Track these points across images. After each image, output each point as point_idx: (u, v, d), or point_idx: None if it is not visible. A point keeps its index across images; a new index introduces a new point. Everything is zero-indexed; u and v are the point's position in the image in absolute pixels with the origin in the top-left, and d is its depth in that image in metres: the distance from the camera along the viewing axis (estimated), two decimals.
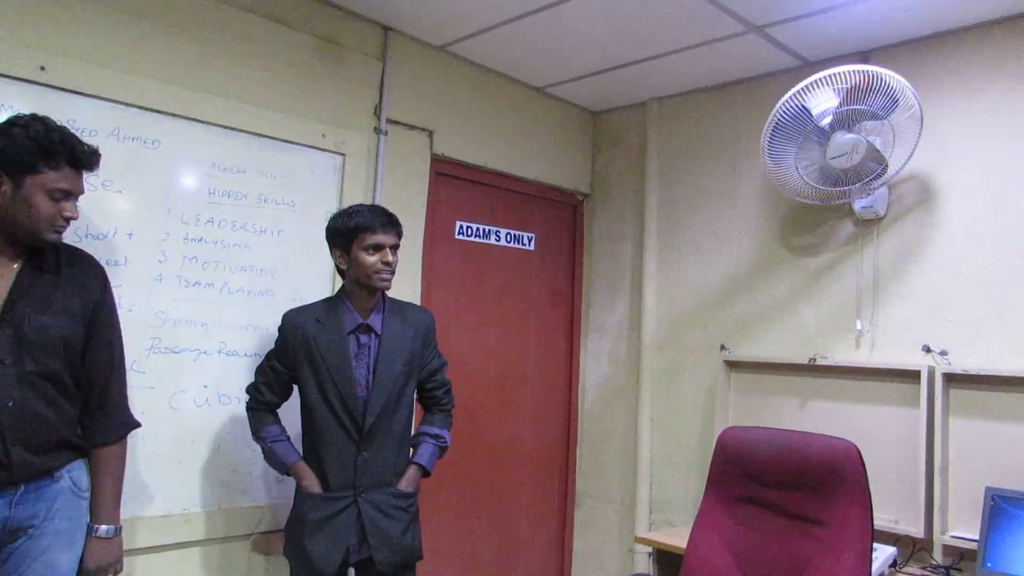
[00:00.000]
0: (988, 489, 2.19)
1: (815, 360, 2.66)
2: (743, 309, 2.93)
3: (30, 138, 1.53)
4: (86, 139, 1.66)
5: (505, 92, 3.14)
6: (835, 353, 2.65)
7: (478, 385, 3.10)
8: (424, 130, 2.84)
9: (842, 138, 2.35)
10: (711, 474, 2.08)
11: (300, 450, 2.07)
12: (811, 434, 1.97)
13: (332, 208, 2.38)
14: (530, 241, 3.34)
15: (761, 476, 1.98)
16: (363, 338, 2.05)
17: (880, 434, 2.49)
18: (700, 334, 3.05)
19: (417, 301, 2.76)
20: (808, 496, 1.89)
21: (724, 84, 3.06)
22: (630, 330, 3.31)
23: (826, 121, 2.35)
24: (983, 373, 2.29)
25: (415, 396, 2.18)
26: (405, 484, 2.05)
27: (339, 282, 2.28)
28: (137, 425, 1.81)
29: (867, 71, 2.25)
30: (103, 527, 1.69)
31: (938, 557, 2.32)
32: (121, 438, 1.75)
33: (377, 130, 2.67)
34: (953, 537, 2.29)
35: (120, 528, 1.74)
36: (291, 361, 2.04)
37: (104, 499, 1.70)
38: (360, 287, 2.04)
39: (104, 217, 2.02)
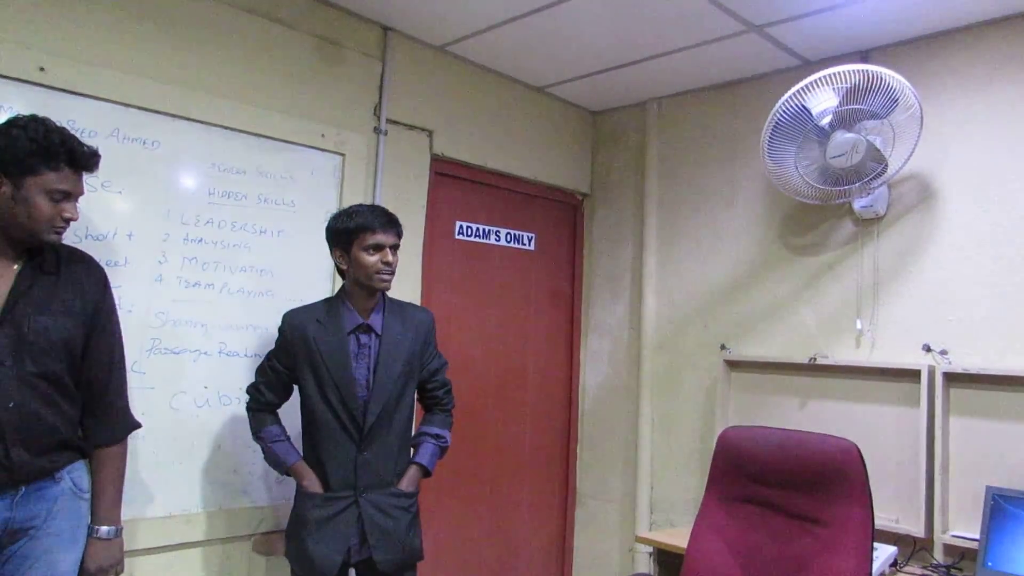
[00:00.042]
0: (989, 488, 2.19)
1: (815, 360, 2.66)
2: (743, 309, 2.93)
3: (30, 139, 1.54)
4: (86, 140, 1.66)
5: (505, 92, 3.14)
6: (835, 352, 2.65)
7: (478, 385, 3.10)
8: (424, 130, 2.84)
9: (842, 137, 2.35)
10: (712, 474, 2.08)
11: (300, 450, 2.07)
12: (811, 434, 1.97)
13: (332, 208, 2.38)
14: (530, 241, 3.34)
15: (761, 476, 1.98)
16: (363, 338, 2.05)
17: (880, 433, 2.49)
18: (700, 334, 3.05)
19: (417, 301, 2.76)
20: (808, 496, 1.89)
21: (724, 84, 3.06)
22: (630, 330, 3.31)
23: (826, 120, 2.35)
24: (983, 372, 2.29)
25: (415, 396, 2.18)
26: (406, 484, 2.05)
27: (339, 282, 2.28)
28: (137, 426, 1.81)
29: (867, 70, 2.25)
30: (104, 528, 1.69)
31: (939, 556, 2.32)
32: (121, 439, 1.75)
33: (377, 130, 2.67)
34: (954, 536, 2.29)
35: (121, 529, 1.74)
36: (291, 361, 2.04)
37: (105, 500, 1.70)
38: (360, 287, 2.04)
39: (104, 218, 2.02)
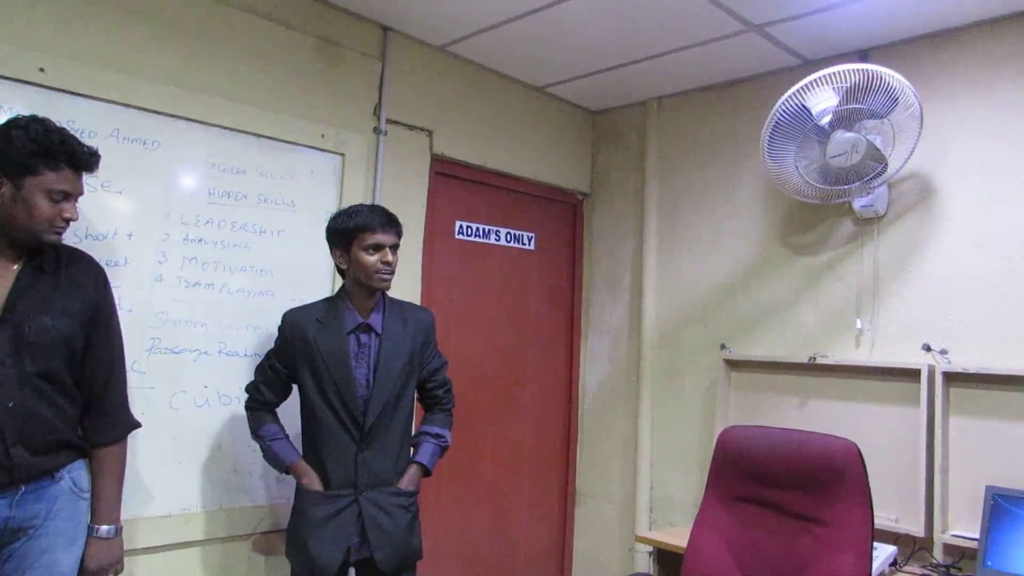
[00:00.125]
0: (988, 488, 2.19)
1: (815, 359, 2.66)
2: (743, 308, 2.93)
3: (30, 139, 1.54)
4: (86, 140, 1.66)
5: (505, 92, 3.14)
6: (835, 352, 2.65)
7: (478, 384, 3.11)
8: (424, 130, 2.85)
9: (842, 137, 2.34)
10: (711, 473, 2.08)
11: (300, 449, 2.07)
12: (811, 433, 1.97)
13: (332, 208, 2.38)
14: (530, 241, 3.34)
15: (761, 475, 1.98)
16: (363, 338, 2.05)
17: (880, 433, 2.48)
18: (700, 333, 3.05)
19: (417, 301, 2.76)
20: (808, 495, 1.89)
21: (724, 83, 3.06)
22: (630, 329, 3.31)
23: (826, 120, 2.35)
24: (983, 372, 2.29)
25: (415, 396, 2.18)
26: (406, 483, 2.06)
27: (339, 282, 2.28)
28: (137, 425, 1.81)
29: (867, 70, 2.25)
30: (103, 527, 1.69)
31: (939, 556, 2.32)
32: (121, 438, 1.76)
33: (377, 130, 2.67)
34: (954, 536, 2.28)
35: (121, 528, 1.74)
36: (291, 360, 2.04)
37: (104, 499, 1.70)
38: (360, 287, 2.04)
39: (104, 218, 2.03)
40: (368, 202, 2.45)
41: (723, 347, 2.93)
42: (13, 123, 1.57)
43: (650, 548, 2.75)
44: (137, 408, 1.86)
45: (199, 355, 2.20)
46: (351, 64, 2.60)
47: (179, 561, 2.15)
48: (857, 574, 1.76)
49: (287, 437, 2.07)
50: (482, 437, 3.12)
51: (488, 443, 3.15)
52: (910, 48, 2.57)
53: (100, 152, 1.66)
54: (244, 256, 2.30)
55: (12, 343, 1.53)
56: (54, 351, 1.59)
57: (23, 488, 1.56)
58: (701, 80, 3.06)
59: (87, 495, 1.69)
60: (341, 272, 2.09)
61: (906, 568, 2.31)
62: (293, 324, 2.05)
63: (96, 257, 1.77)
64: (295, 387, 2.09)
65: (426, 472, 2.12)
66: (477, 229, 3.13)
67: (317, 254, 2.36)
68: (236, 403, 2.24)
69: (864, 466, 1.83)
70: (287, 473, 2.06)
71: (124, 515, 1.79)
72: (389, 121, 2.70)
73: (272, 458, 2.05)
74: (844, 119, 2.34)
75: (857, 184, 2.41)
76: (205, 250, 2.22)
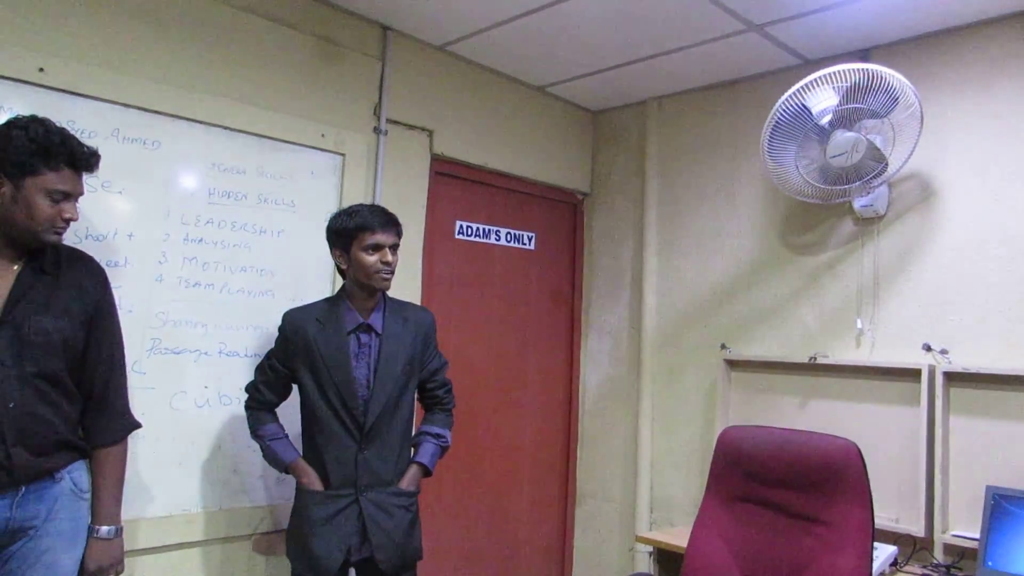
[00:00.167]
0: (989, 488, 2.19)
1: (815, 359, 2.66)
2: (743, 308, 2.93)
3: (30, 139, 1.54)
4: (86, 140, 1.66)
5: (505, 91, 3.14)
6: (835, 352, 2.65)
7: (478, 385, 3.10)
8: (424, 130, 2.84)
9: (842, 136, 2.34)
10: (712, 473, 2.08)
11: (300, 449, 2.07)
12: (812, 433, 1.97)
13: (332, 208, 2.38)
14: (530, 240, 3.34)
15: (762, 475, 1.98)
16: (364, 337, 2.05)
17: (881, 433, 2.48)
18: (700, 333, 3.05)
19: (417, 301, 2.76)
20: (809, 495, 1.89)
21: (724, 83, 3.06)
22: (630, 329, 3.31)
23: (826, 120, 2.35)
24: (984, 372, 2.28)
25: (416, 396, 2.18)
26: (406, 483, 2.05)
27: (339, 282, 2.28)
28: (138, 426, 1.81)
29: (867, 69, 2.25)
30: (104, 528, 1.69)
31: (939, 556, 2.32)
32: (122, 439, 1.75)
33: (377, 130, 2.67)
34: (954, 536, 2.28)
35: (121, 529, 1.74)
36: (291, 361, 2.04)
37: (105, 500, 1.70)
38: (360, 287, 2.04)
39: (104, 218, 2.03)
40: (368, 202, 2.45)
41: (723, 347, 2.93)
42: (13, 123, 1.57)
43: (650, 548, 2.75)
44: (137, 408, 1.86)
45: (199, 355, 2.20)
46: (351, 64, 2.60)
47: (179, 561, 2.15)
48: (857, 574, 1.76)
49: (287, 437, 2.07)
50: (482, 437, 3.12)
51: (488, 443, 3.15)
52: (910, 48, 2.57)
53: (100, 152, 1.66)
54: (244, 256, 2.30)
55: (12, 344, 1.53)
56: (54, 351, 1.59)
57: (24, 489, 1.56)
58: (701, 80, 3.06)
59: (87, 495, 1.69)
60: (341, 272, 2.09)
61: (906, 568, 2.31)
62: (293, 324, 2.05)
63: (96, 257, 1.77)
64: (295, 387, 2.09)
65: (426, 472, 2.12)
66: (477, 229, 3.13)
67: (317, 254, 2.36)
68: (236, 403, 2.24)
69: (864, 466, 1.83)
70: (287, 473, 2.06)
71: (124, 515, 1.79)
72: (389, 121, 2.70)
73: (272, 458, 2.05)
74: (844, 119, 2.34)
75: (857, 184, 2.41)
76: (205, 250, 2.22)
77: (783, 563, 1.89)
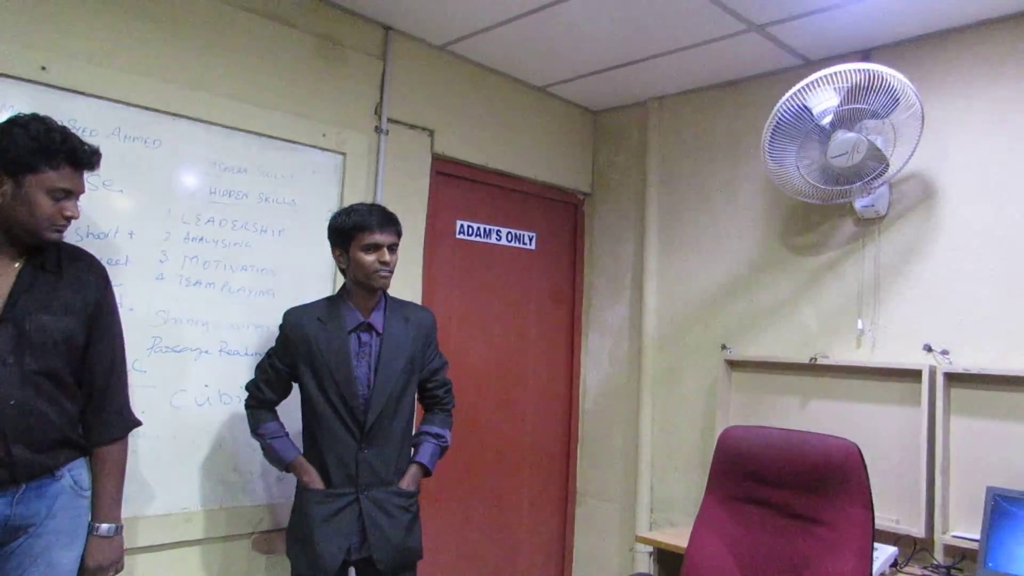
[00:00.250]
0: (989, 489, 2.18)
1: (816, 359, 2.66)
2: (744, 308, 2.93)
3: (31, 138, 1.54)
4: (87, 139, 1.66)
5: (506, 91, 3.14)
6: (836, 352, 2.65)
7: (479, 384, 3.10)
8: (425, 129, 2.85)
9: (843, 137, 2.34)
10: (712, 473, 2.08)
11: (300, 447, 2.07)
12: (812, 433, 1.96)
13: (333, 207, 2.38)
14: (531, 240, 3.34)
15: (762, 476, 1.97)
16: (364, 337, 2.05)
17: (881, 433, 2.48)
18: (701, 333, 3.05)
19: (418, 300, 2.76)
20: (809, 496, 1.89)
21: (725, 83, 3.06)
22: (631, 329, 3.31)
23: (827, 120, 2.35)
24: (984, 372, 2.28)
25: (416, 396, 2.18)
26: (407, 483, 2.06)
27: (340, 281, 2.29)
28: (138, 424, 1.81)
29: (868, 70, 2.25)
30: (104, 526, 1.69)
31: (939, 557, 2.32)
32: (122, 437, 1.75)
33: (378, 129, 2.67)
34: (954, 537, 2.28)
35: (121, 527, 1.74)
36: (292, 359, 2.04)
37: (105, 498, 1.70)
38: (359, 286, 2.05)
39: (105, 216, 2.03)
40: (369, 201, 2.45)
41: (724, 347, 2.93)
42: (14, 121, 1.57)
43: (650, 548, 2.75)
44: (138, 407, 1.86)
45: (200, 354, 2.20)
46: (352, 63, 2.60)
47: (179, 560, 2.15)
48: (857, 575, 1.76)
49: (287, 435, 2.07)
50: (482, 437, 3.12)
51: (488, 443, 3.15)
52: (911, 48, 2.57)
53: (101, 150, 1.66)
54: (245, 255, 2.30)
55: (13, 341, 1.54)
56: (55, 349, 1.59)
57: (24, 486, 1.56)
58: (702, 80, 3.06)
59: (88, 493, 1.69)
60: (343, 271, 2.09)
61: (907, 569, 2.31)
62: (294, 323, 2.05)
63: (97, 256, 1.77)
64: (295, 386, 2.09)
65: (426, 472, 2.12)
66: (478, 229, 3.13)
67: (318, 253, 2.36)
68: (237, 402, 2.24)
69: (865, 467, 1.83)
70: (288, 471, 2.06)
71: (124, 514, 1.79)
72: (390, 120, 2.70)
73: (273, 456, 2.05)
74: (845, 119, 2.34)
75: (858, 184, 2.41)
76: (206, 249, 2.22)
77: (783, 563, 1.88)
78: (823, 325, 2.71)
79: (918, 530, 2.34)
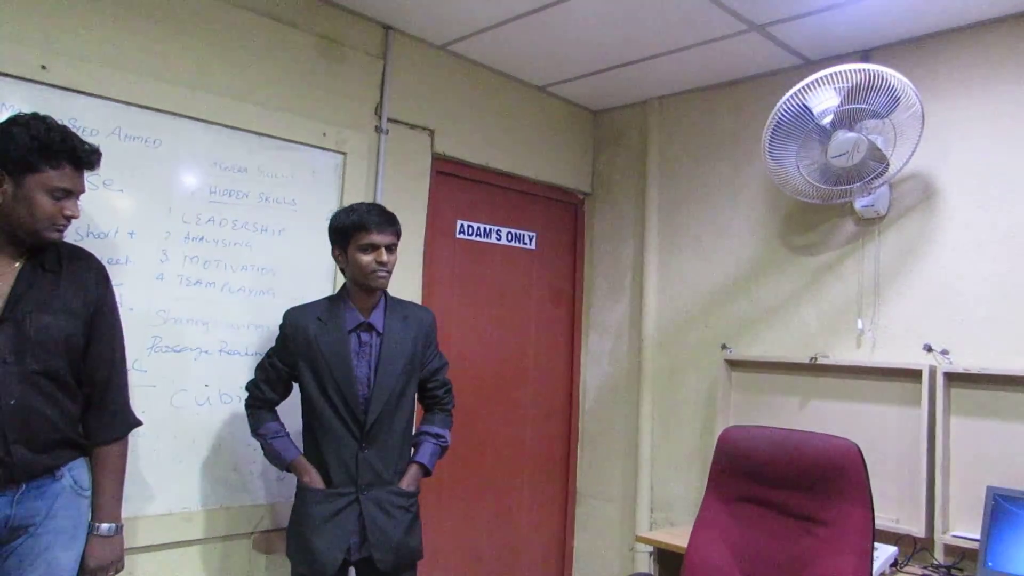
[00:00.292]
0: (990, 488, 2.18)
1: (816, 359, 2.66)
2: (744, 308, 2.93)
3: (31, 137, 1.54)
4: (87, 138, 1.66)
5: (506, 91, 3.14)
6: (836, 352, 2.65)
7: (479, 384, 3.10)
8: (425, 129, 2.85)
9: (843, 137, 2.34)
10: (712, 473, 2.08)
11: (300, 447, 2.07)
12: (812, 433, 1.96)
13: (333, 207, 2.39)
14: (531, 240, 3.34)
15: (762, 475, 1.97)
16: (364, 336, 2.05)
17: (881, 433, 2.48)
18: (701, 333, 3.05)
19: (418, 300, 2.76)
20: (809, 495, 1.89)
21: (725, 83, 3.06)
22: (631, 329, 3.31)
23: (827, 120, 2.35)
24: (985, 372, 2.28)
25: (416, 395, 2.18)
26: (407, 483, 2.05)
27: (340, 280, 2.29)
28: (138, 423, 1.81)
29: (868, 70, 2.25)
30: (104, 525, 1.69)
31: (939, 557, 2.32)
32: (122, 436, 1.75)
33: (378, 129, 2.67)
34: (954, 536, 2.28)
35: (121, 526, 1.74)
36: (292, 359, 2.04)
37: (105, 497, 1.70)
38: (358, 286, 2.05)
39: (105, 216, 2.03)
40: (369, 201, 2.45)
41: (724, 347, 2.93)
42: (14, 121, 1.57)
43: (650, 548, 2.75)
44: (138, 406, 1.86)
45: (200, 354, 2.20)
46: (353, 63, 2.60)
47: (179, 560, 2.15)
48: (858, 575, 1.76)
49: (287, 435, 2.07)
50: (483, 437, 3.12)
51: (489, 443, 3.15)
52: (912, 48, 2.57)
53: (101, 150, 1.66)
54: (245, 255, 2.30)
55: (13, 341, 1.54)
56: (55, 349, 1.59)
57: (24, 486, 1.56)
58: (702, 80, 3.06)
59: (88, 493, 1.69)
60: (342, 271, 2.09)
61: (907, 569, 2.31)
62: (294, 323, 2.05)
63: (97, 255, 1.77)
64: (295, 386, 2.09)
65: (426, 472, 2.12)
66: (478, 228, 3.13)
67: (318, 253, 2.36)
68: (237, 402, 2.24)
69: (865, 466, 1.83)
70: (288, 471, 2.06)
71: (125, 513, 1.79)
72: (390, 120, 2.70)
73: (273, 456, 2.05)
74: (845, 119, 2.34)
75: (858, 184, 2.41)
76: (206, 249, 2.22)
77: (783, 563, 1.88)
78: (823, 325, 2.71)
79: (918, 530, 2.34)
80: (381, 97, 2.68)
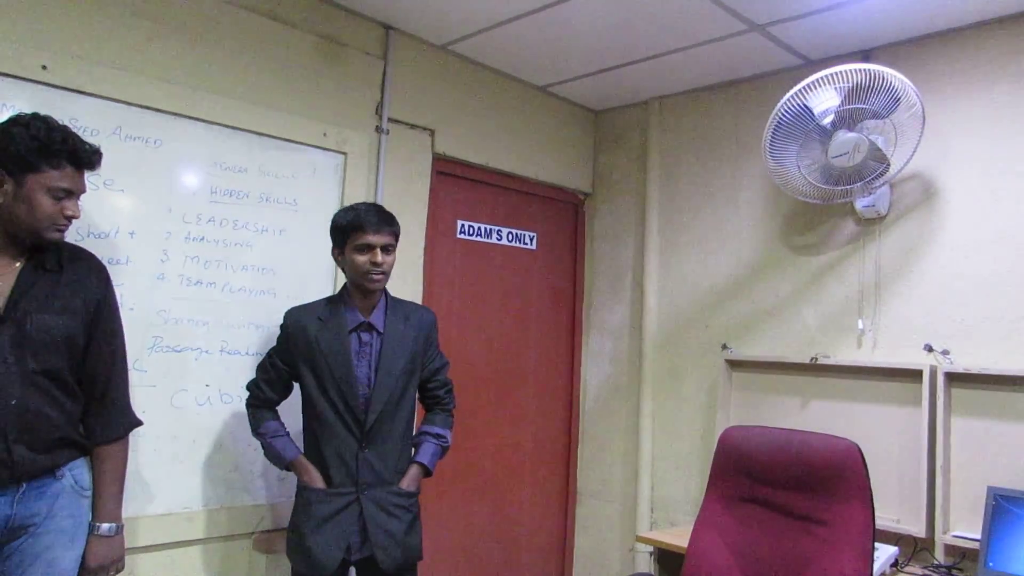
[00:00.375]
0: (990, 488, 2.18)
1: (817, 359, 2.66)
2: (745, 308, 2.93)
3: (32, 137, 1.54)
4: (88, 138, 1.66)
5: (506, 91, 3.14)
6: (837, 352, 2.65)
7: (479, 384, 3.10)
8: (425, 129, 2.85)
9: (844, 137, 2.34)
10: (712, 473, 2.08)
11: (301, 447, 2.07)
12: (813, 433, 1.97)
13: (334, 207, 2.39)
14: (531, 240, 3.34)
15: (763, 475, 1.98)
16: (365, 336, 2.05)
17: (882, 433, 2.48)
18: (702, 333, 3.05)
19: (418, 300, 2.76)
20: (810, 495, 1.89)
21: (726, 83, 3.06)
22: (631, 329, 3.31)
23: (828, 120, 2.35)
24: (985, 372, 2.28)
25: (416, 396, 2.18)
26: (407, 483, 2.05)
27: (341, 281, 2.29)
28: (139, 423, 1.81)
29: (869, 70, 2.25)
30: (105, 525, 1.69)
31: (940, 557, 2.32)
32: (123, 436, 1.75)
33: (379, 129, 2.67)
34: (955, 537, 2.28)
35: (122, 526, 1.74)
36: (292, 359, 2.04)
37: (106, 497, 1.70)
38: (355, 286, 2.05)
39: (106, 216, 2.03)
40: (370, 201, 2.45)
41: (724, 347, 2.93)
42: (15, 120, 1.57)
43: (651, 548, 2.75)
44: (139, 406, 1.86)
45: (201, 354, 2.20)
46: (353, 63, 2.60)
47: (180, 559, 2.15)
48: (858, 575, 1.76)
49: (288, 434, 2.07)
50: (483, 437, 3.12)
51: (489, 443, 3.15)
52: (912, 48, 2.57)
53: (102, 150, 1.67)
54: (246, 255, 2.30)
55: (14, 341, 1.54)
56: (56, 349, 1.59)
57: (24, 486, 1.56)
58: (703, 80, 3.06)
59: (88, 493, 1.69)
60: (343, 270, 2.10)
61: (907, 569, 2.31)
62: (295, 322, 2.05)
63: (98, 255, 1.77)
64: (296, 386, 2.09)
65: (427, 472, 2.11)
66: (479, 228, 3.13)
67: (319, 253, 2.36)
68: (237, 402, 2.24)
69: (865, 466, 1.83)
70: (289, 470, 2.06)
71: (125, 513, 1.79)
72: (391, 120, 2.70)
73: (273, 455, 2.05)
74: (846, 119, 2.34)
75: (859, 184, 2.40)
76: (207, 248, 2.22)
77: (784, 563, 1.88)
78: (824, 325, 2.71)
79: (919, 530, 2.34)
80: (382, 97, 2.68)
